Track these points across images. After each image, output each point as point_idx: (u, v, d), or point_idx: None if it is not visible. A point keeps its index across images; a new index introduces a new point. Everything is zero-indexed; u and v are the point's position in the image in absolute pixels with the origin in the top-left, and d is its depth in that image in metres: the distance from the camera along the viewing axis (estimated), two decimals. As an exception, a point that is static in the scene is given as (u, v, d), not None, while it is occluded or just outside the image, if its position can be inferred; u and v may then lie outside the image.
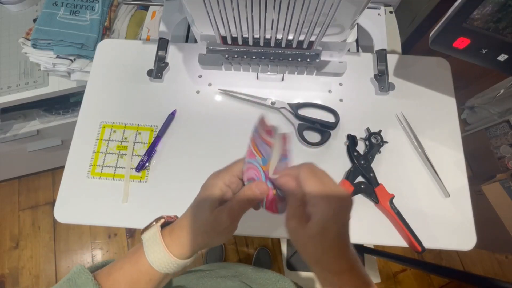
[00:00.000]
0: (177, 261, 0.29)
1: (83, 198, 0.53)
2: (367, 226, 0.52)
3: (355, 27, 0.58)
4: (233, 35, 0.48)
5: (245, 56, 0.53)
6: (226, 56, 0.53)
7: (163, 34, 0.62)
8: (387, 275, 1.29)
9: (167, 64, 0.62)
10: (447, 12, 0.43)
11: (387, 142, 0.56)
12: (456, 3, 0.41)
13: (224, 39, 0.49)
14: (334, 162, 0.56)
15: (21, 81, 0.80)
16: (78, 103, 0.98)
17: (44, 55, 0.75)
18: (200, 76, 0.62)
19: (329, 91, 0.61)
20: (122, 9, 0.87)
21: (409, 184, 0.54)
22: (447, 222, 0.52)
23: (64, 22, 0.75)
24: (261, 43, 0.49)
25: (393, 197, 0.51)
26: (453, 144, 0.57)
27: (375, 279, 1.17)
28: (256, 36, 0.47)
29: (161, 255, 0.29)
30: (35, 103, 0.83)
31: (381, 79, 0.60)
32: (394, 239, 0.51)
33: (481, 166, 1.36)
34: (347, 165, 0.55)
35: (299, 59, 0.53)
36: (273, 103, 0.58)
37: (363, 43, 0.68)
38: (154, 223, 0.32)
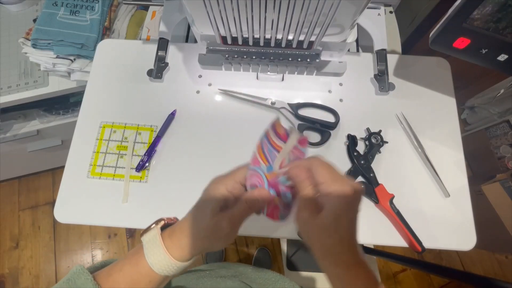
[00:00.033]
0: (177, 264, 0.29)
1: (83, 198, 0.53)
2: (367, 226, 0.52)
3: (355, 27, 0.58)
4: (233, 35, 0.48)
5: (245, 56, 0.53)
6: (226, 56, 0.53)
7: (163, 34, 0.62)
8: (387, 275, 1.29)
9: (167, 64, 0.62)
10: (447, 12, 0.43)
11: (387, 142, 0.56)
12: (456, 3, 0.41)
13: (224, 39, 0.49)
14: (334, 162, 0.54)
15: (21, 81, 0.80)
16: (78, 103, 0.98)
17: (44, 55, 0.75)
18: (200, 76, 0.62)
19: (329, 91, 0.61)
20: (122, 9, 0.87)
21: (409, 184, 0.54)
22: (447, 222, 0.52)
23: (64, 22, 0.76)
24: (261, 43, 0.49)
25: (393, 197, 0.51)
26: (453, 144, 0.57)
27: (375, 279, 1.17)
28: (256, 36, 0.47)
29: (161, 257, 0.29)
30: (35, 103, 0.83)
31: (381, 79, 0.60)
32: (394, 239, 0.51)
33: (481, 166, 1.36)
34: (347, 165, 0.55)
35: (299, 59, 0.53)
36: (273, 103, 0.58)
37: (363, 43, 0.68)
38: (154, 225, 0.32)
